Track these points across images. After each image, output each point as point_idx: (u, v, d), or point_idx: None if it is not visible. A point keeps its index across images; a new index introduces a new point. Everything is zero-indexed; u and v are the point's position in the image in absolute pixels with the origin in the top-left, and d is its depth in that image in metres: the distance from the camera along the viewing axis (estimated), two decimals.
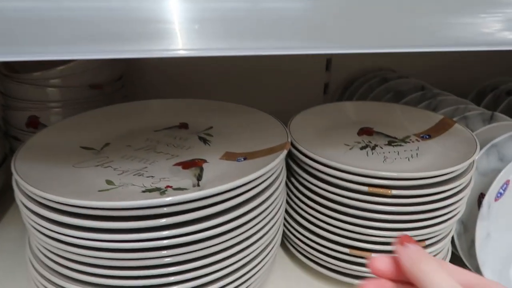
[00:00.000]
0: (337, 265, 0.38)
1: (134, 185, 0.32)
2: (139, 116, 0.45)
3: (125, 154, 0.37)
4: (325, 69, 0.71)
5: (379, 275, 0.23)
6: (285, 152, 0.35)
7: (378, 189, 0.35)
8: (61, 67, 0.51)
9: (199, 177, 0.34)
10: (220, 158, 0.37)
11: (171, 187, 0.32)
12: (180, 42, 0.22)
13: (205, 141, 0.42)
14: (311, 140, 0.41)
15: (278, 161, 0.34)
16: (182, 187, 0.32)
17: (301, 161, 0.39)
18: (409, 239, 0.23)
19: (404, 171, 0.36)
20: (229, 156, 0.38)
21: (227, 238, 0.32)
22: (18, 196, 0.31)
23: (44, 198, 0.28)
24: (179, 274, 0.30)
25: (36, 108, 0.52)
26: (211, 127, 0.45)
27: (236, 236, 0.32)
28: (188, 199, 0.28)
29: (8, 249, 0.45)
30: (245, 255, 0.34)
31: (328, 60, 0.71)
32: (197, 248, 0.30)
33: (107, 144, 0.39)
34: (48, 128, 0.40)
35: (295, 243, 0.42)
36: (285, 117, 0.44)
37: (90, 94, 0.53)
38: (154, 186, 0.32)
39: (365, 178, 0.35)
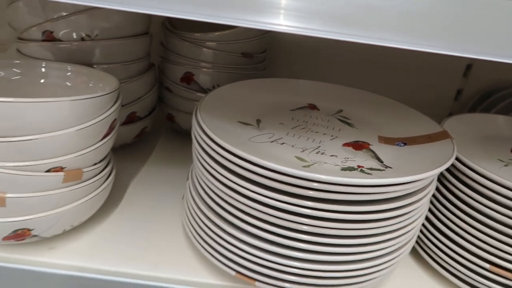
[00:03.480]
0: (473, 279, 0.38)
1: (326, 163, 0.34)
2: (275, 93, 0.47)
3: (288, 132, 0.39)
4: (463, 74, 0.68)
5: None
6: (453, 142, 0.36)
7: None
8: (218, 33, 0.55)
9: (379, 159, 0.35)
10: (379, 142, 0.38)
11: (362, 167, 0.33)
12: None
13: (348, 123, 0.43)
14: (467, 148, 0.40)
15: (454, 155, 0.34)
16: (373, 167, 0.34)
17: (455, 167, 0.38)
18: None
19: None
20: (386, 140, 0.39)
21: (380, 226, 0.33)
22: (197, 147, 0.35)
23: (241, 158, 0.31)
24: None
25: (190, 65, 0.56)
26: (342, 110, 0.46)
27: (384, 226, 0.34)
28: (401, 182, 0.30)
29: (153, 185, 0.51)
30: (382, 248, 0.35)
31: (468, 66, 0.68)
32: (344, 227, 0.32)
33: (259, 121, 0.42)
34: (210, 95, 0.43)
35: (428, 247, 0.42)
36: None
37: (238, 61, 0.57)
38: (346, 165, 0.34)
39: None
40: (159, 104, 0.61)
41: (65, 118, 0.33)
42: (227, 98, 0.42)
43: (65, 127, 0.33)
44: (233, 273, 0.35)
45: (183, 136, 0.62)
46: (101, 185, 0.39)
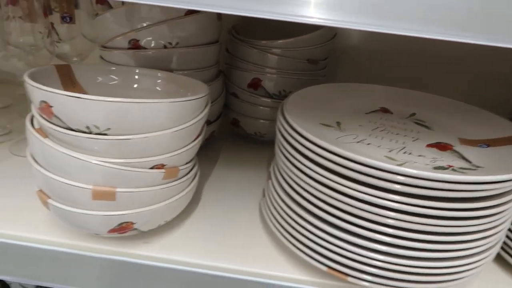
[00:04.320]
0: None
1: (416, 162, 0.35)
2: (348, 97, 0.48)
3: (370, 134, 0.40)
4: None
5: None
6: None
7: None
8: (283, 40, 0.58)
9: (467, 160, 0.36)
10: (460, 144, 0.39)
11: (452, 166, 0.34)
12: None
13: (425, 126, 0.44)
14: None
15: None
16: (464, 167, 0.34)
17: None
18: None
19: None
20: (468, 142, 0.40)
21: (472, 224, 0.33)
22: (286, 146, 0.37)
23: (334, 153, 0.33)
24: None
25: (257, 71, 0.59)
26: (415, 114, 0.47)
27: (475, 225, 0.34)
28: (501, 180, 0.31)
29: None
30: (470, 247, 0.35)
31: None
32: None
33: (339, 123, 0.43)
34: (290, 99, 0.45)
35: None
36: None
37: (304, 67, 0.59)
38: (437, 165, 0.35)
39: None
40: (224, 109, 0.63)
41: (164, 118, 0.35)
42: (306, 102, 0.44)
43: (165, 128, 0.36)
44: (325, 268, 0.36)
45: (247, 141, 0.64)
46: (191, 182, 0.42)
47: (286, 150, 0.38)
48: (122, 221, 0.37)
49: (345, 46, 0.69)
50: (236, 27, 0.63)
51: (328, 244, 0.35)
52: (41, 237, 0.40)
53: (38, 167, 0.35)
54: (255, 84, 0.59)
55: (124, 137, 0.33)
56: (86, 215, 0.35)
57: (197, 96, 0.37)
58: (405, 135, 0.41)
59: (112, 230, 0.37)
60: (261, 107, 0.61)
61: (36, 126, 0.36)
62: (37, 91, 0.32)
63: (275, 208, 0.41)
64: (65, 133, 0.33)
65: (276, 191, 0.41)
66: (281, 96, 0.59)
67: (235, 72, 0.60)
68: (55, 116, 0.33)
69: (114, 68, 0.45)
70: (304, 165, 0.36)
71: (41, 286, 0.60)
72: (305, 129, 0.35)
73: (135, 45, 0.49)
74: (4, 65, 0.50)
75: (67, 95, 0.31)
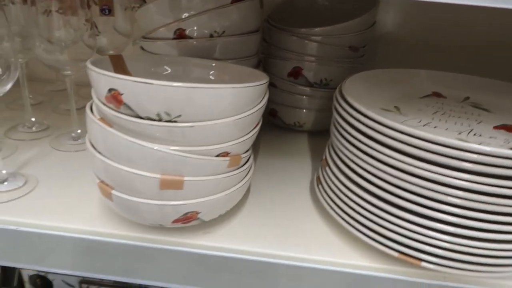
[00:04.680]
0: None
1: (490, 144, 0.34)
2: (399, 82, 0.48)
3: (432, 118, 0.40)
4: None
5: None
6: None
7: None
8: (322, 28, 0.57)
9: None
10: None
11: None
12: None
13: (484, 109, 0.43)
14: None
15: None
16: None
17: None
18: None
19: None
20: None
21: None
22: (348, 128, 0.36)
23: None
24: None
25: (298, 59, 0.58)
26: (469, 97, 0.46)
27: None
28: None
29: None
30: None
31: None
32: None
33: (397, 107, 0.42)
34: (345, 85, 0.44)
35: None
36: None
37: (345, 55, 0.58)
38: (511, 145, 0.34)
39: None
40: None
41: (228, 104, 0.34)
42: (361, 88, 0.43)
43: (228, 115, 0.35)
44: (396, 254, 0.36)
45: (285, 131, 0.64)
46: (249, 171, 0.41)
47: (349, 134, 0.37)
48: (188, 211, 0.36)
49: (383, 34, 0.68)
50: (271, 16, 0.62)
51: (399, 228, 0.35)
52: (99, 230, 0.40)
53: (103, 158, 0.35)
54: (296, 73, 0.58)
55: (195, 124, 0.33)
56: (152, 205, 0.35)
57: (260, 82, 0.36)
58: (467, 118, 0.40)
59: (176, 220, 0.37)
60: (301, 96, 0.60)
61: (97, 115, 0.36)
62: (107, 79, 0.32)
63: (336, 195, 0.40)
64: (135, 122, 0.32)
65: (336, 177, 0.40)
66: (322, 85, 0.59)
67: (274, 61, 0.60)
68: (125, 104, 0.32)
69: (166, 59, 0.44)
70: (372, 147, 0.35)
71: (86, 281, 0.60)
72: (371, 112, 0.35)
73: (180, 34, 0.48)
74: (47, 59, 0.50)
75: (141, 82, 0.30)
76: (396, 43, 0.68)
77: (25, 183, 0.46)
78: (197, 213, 0.37)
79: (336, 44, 0.57)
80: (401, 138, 0.33)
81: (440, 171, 0.32)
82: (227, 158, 0.36)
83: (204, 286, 0.40)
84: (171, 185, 0.34)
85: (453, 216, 0.33)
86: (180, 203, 0.35)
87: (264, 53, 0.62)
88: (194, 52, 0.49)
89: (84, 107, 0.36)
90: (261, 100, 0.38)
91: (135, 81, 0.31)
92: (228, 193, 0.38)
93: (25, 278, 0.60)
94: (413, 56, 0.68)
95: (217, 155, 0.36)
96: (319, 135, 0.64)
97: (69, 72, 0.53)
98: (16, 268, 0.66)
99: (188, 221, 0.37)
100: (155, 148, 0.33)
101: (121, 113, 0.33)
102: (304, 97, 0.60)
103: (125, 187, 0.35)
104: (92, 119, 0.35)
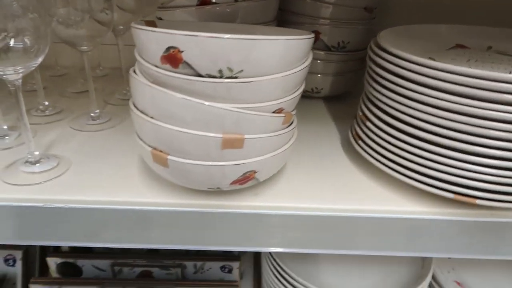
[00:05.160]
0: None
1: None
2: (421, 38, 0.48)
3: (469, 65, 0.41)
4: None
5: None
6: None
7: None
8: None
9: None
10: None
11: None
12: None
13: (510, 55, 0.45)
14: None
15: None
16: None
17: None
18: None
19: None
20: None
21: None
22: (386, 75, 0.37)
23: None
24: None
25: (314, 23, 0.58)
26: (491, 47, 0.48)
27: None
28: None
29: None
30: None
31: None
32: None
33: (432, 58, 0.43)
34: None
35: None
36: None
37: (361, 16, 0.58)
38: None
39: None
40: None
41: (280, 58, 0.34)
42: (393, 42, 0.44)
43: (283, 69, 0.34)
44: (452, 195, 0.37)
45: (301, 99, 0.64)
46: (295, 129, 0.41)
47: (394, 84, 0.38)
48: (247, 170, 0.36)
49: None
50: None
51: (453, 169, 0.36)
52: (150, 200, 0.39)
53: (159, 123, 0.34)
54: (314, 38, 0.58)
55: (254, 79, 0.32)
56: (213, 166, 0.35)
57: (310, 36, 0.36)
58: (500, 63, 0.42)
59: (235, 182, 0.36)
60: (318, 61, 0.60)
61: (143, 80, 0.35)
62: (166, 37, 0.31)
63: (384, 147, 0.41)
64: (195, 80, 0.32)
65: (381, 129, 0.41)
66: (339, 48, 0.59)
67: (290, 28, 0.59)
68: (185, 62, 0.31)
69: (200, 24, 0.43)
70: (421, 93, 0.36)
71: (118, 264, 0.58)
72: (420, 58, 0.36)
73: (205, 1, 0.48)
74: (65, 32, 0.48)
75: (207, 36, 0.30)
76: (402, 4, 0.69)
77: (58, 163, 0.44)
78: (255, 172, 0.37)
79: (351, 6, 0.57)
80: (451, 79, 0.34)
81: (493, 107, 0.33)
82: (282, 115, 0.36)
83: (266, 245, 0.40)
84: (233, 144, 0.34)
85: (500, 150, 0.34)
86: (241, 162, 0.35)
87: (278, 21, 0.61)
88: (214, 19, 0.48)
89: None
90: (309, 56, 0.38)
91: (202, 36, 0.30)
92: (283, 151, 0.38)
93: (52, 267, 0.58)
94: (421, 19, 0.70)
95: (273, 112, 0.35)
96: (335, 100, 0.65)
97: (85, 47, 0.51)
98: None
99: (245, 181, 0.37)
100: (218, 106, 0.32)
101: (179, 72, 0.32)
102: (318, 61, 0.60)
103: (183, 151, 0.35)
104: (144, 82, 0.34)
